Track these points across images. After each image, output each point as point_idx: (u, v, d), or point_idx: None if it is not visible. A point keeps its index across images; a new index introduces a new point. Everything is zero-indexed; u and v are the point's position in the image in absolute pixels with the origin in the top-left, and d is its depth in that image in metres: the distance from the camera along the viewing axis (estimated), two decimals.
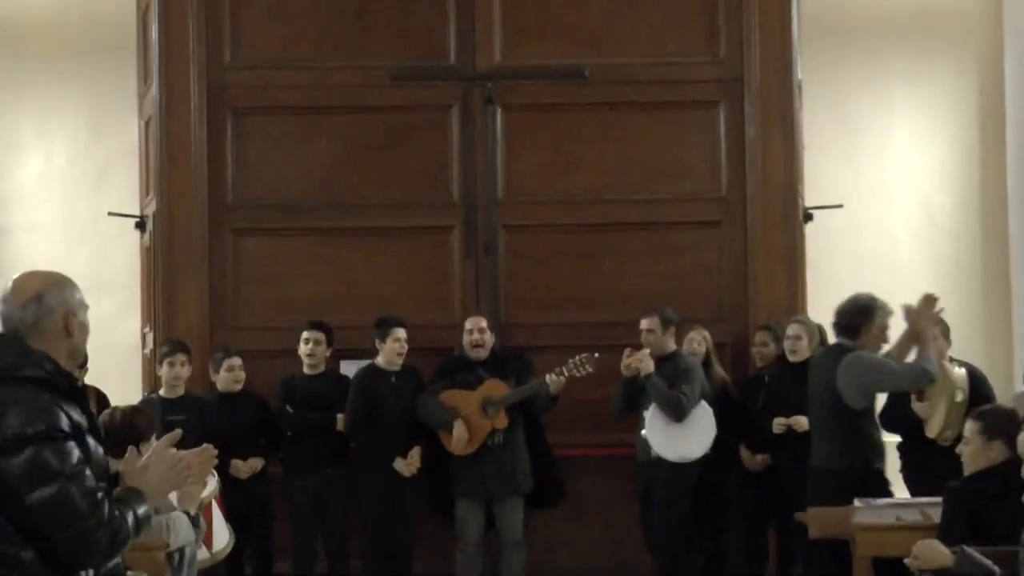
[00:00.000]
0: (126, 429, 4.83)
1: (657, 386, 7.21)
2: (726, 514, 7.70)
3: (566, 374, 7.29)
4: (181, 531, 4.88)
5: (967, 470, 5.12)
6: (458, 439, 7.29)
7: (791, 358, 7.44)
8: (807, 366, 7.33)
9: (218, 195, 8.18)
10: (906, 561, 4.82)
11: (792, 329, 7.47)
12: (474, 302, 8.10)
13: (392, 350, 7.49)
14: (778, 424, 7.29)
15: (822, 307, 8.20)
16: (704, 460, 7.28)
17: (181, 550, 4.98)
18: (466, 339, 7.51)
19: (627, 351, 7.34)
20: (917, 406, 6.83)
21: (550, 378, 7.30)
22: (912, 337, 6.40)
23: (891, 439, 7.02)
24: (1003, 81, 9.25)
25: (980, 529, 4.83)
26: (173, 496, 4.78)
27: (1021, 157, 9.17)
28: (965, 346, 7.71)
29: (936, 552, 4.26)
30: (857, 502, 6.17)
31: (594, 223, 8.21)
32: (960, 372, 6.82)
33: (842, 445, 6.33)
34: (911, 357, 6.43)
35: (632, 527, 7.60)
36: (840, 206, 8.61)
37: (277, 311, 8.09)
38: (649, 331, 7.43)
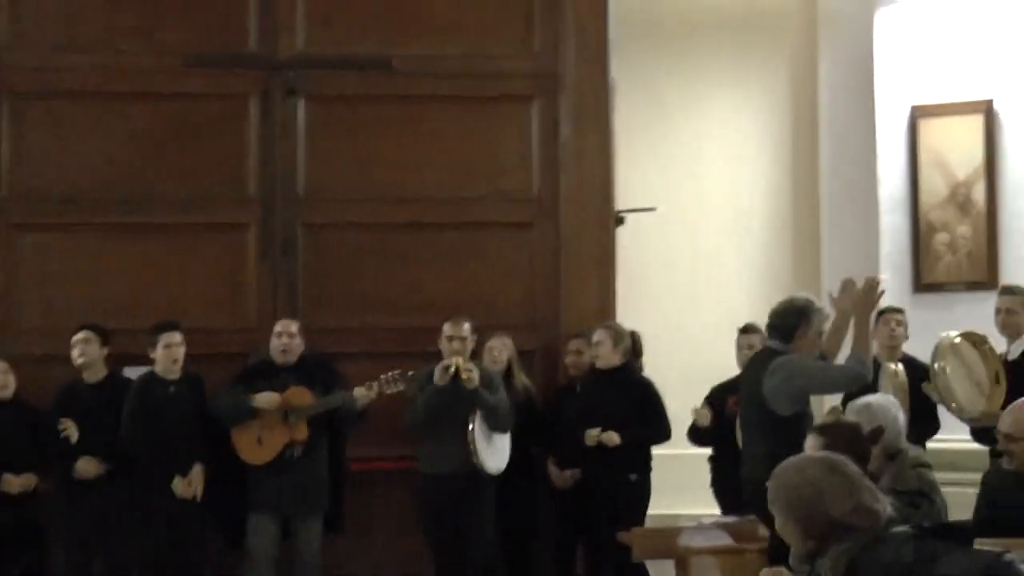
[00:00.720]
0: None
1: (486, 398, 6.87)
2: (534, 532, 7.40)
3: (376, 390, 6.90)
4: None
5: None
6: (268, 401, 6.83)
7: (598, 364, 7.18)
8: (619, 374, 7.15)
9: None
10: None
11: (597, 335, 7.17)
12: (271, 305, 7.63)
13: (166, 356, 6.99)
14: (590, 436, 6.99)
15: (634, 313, 8.05)
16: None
17: None
18: (274, 342, 7.08)
19: (447, 360, 6.93)
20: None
21: (359, 391, 6.91)
22: (842, 328, 6.00)
23: (702, 452, 6.85)
24: (817, 84, 9.22)
25: None
26: None
27: (833, 162, 9.15)
28: None
29: None
30: (683, 521, 5.94)
31: (400, 222, 7.81)
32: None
33: (770, 454, 6.00)
34: (843, 354, 6.02)
35: (420, 542, 7.20)
36: (653, 209, 8.45)
37: (57, 313, 7.48)
38: (462, 339, 7.07)
